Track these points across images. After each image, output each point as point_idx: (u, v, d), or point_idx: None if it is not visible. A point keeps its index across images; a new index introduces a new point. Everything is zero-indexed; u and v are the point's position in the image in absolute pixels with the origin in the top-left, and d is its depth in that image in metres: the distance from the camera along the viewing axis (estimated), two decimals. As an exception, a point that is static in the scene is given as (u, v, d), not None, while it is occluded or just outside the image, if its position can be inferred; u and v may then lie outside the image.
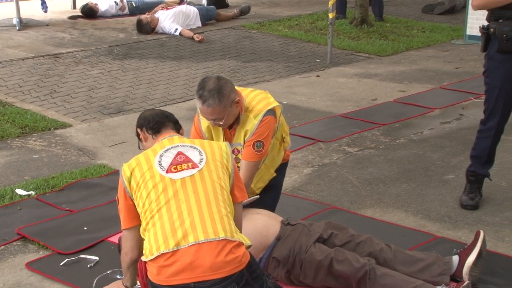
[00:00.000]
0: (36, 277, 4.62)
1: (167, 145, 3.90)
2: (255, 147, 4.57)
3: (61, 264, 4.75)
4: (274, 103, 4.63)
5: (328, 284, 4.35)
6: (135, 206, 3.83)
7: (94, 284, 4.48)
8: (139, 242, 3.84)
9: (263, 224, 4.41)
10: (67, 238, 5.07)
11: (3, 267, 4.75)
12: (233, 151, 4.55)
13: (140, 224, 3.81)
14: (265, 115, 4.55)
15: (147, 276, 3.73)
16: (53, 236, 5.11)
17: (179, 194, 3.69)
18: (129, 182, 3.82)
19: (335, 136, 7.10)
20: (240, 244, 3.67)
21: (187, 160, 3.81)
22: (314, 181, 6.11)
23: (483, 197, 5.65)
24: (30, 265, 4.75)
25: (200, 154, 3.85)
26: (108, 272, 4.59)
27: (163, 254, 3.57)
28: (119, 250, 4.63)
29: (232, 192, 3.89)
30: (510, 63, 5.29)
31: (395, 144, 6.95)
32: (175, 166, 3.78)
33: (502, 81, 5.36)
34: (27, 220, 5.37)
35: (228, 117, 4.46)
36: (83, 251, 4.91)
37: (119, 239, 4.70)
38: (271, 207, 4.89)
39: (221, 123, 4.47)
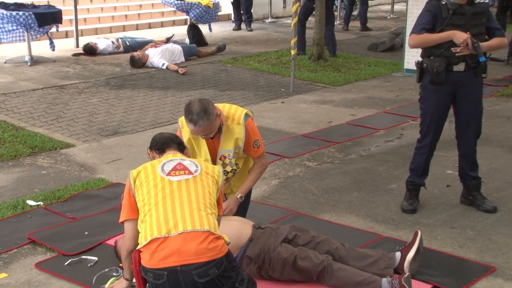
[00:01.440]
0: (44, 275, 4.59)
1: (170, 157, 4.02)
2: (254, 146, 4.68)
3: (66, 264, 4.72)
4: (245, 110, 4.68)
5: (293, 278, 4.35)
6: (136, 202, 3.88)
7: (93, 281, 4.44)
8: (136, 233, 3.86)
9: (237, 228, 4.39)
10: (70, 242, 5.03)
11: (15, 267, 4.70)
12: (220, 158, 4.65)
13: (137, 221, 3.86)
14: (245, 119, 4.60)
15: (139, 264, 3.74)
16: (59, 240, 5.07)
17: (174, 193, 3.78)
18: (134, 181, 3.89)
19: (298, 153, 7.10)
20: (220, 237, 3.72)
21: (185, 168, 3.91)
22: (280, 191, 6.10)
23: (420, 202, 5.69)
24: (39, 265, 4.71)
25: (196, 166, 3.96)
26: (106, 270, 4.56)
27: (156, 239, 3.62)
28: (115, 251, 4.61)
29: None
30: (440, 92, 5.39)
31: (348, 159, 6.96)
32: (174, 172, 3.88)
33: (434, 107, 5.45)
34: (36, 226, 5.33)
35: (215, 129, 4.47)
36: (84, 252, 4.88)
37: (115, 242, 4.68)
38: (243, 213, 4.89)
39: (211, 135, 4.50)
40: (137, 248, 3.77)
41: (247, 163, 4.87)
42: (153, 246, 3.62)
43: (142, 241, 3.69)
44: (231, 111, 4.63)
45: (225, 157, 4.64)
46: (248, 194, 4.96)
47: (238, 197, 4.74)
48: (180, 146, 4.22)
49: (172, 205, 3.73)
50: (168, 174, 3.87)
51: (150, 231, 3.66)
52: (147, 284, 3.80)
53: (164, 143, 4.18)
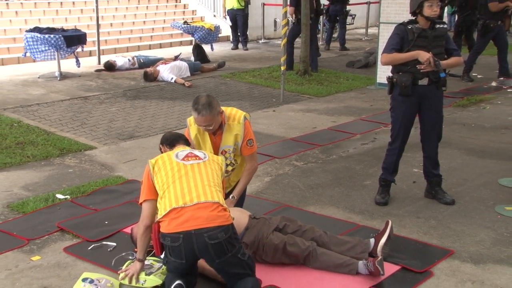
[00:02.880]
0: (71, 258, 4.59)
1: (182, 148, 4.20)
2: (248, 144, 4.70)
3: (89, 248, 4.72)
4: (244, 112, 4.73)
5: (283, 261, 4.35)
6: (154, 185, 3.96)
7: (113, 263, 4.45)
8: (153, 211, 3.97)
9: (236, 217, 4.38)
10: (93, 230, 5.03)
11: (47, 251, 4.70)
12: (221, 153, 4.67)
13: (155, 199, 3.95)
14: (244, 119, 4.64)
15: (159, 232, 3.83)
16: (83, 228, 5.07)
17: (189, 173, 3.92)
18: (153, 168, 4.00)
19: (287, 154, 7.08)
20: (227, 209, 3.86)
21: (196, 156, 4.08)
22: (272, 187, 6.09)
23: (390, 196, 5.71)
24: (66, 249, 4.72)
25: (205, 155, 4.13)
26: (123, 254, 4.56)
27: (174, 209, 3.74)
28: (131, 238, 4.60)
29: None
30: (408, 102, 5.43)
31: (329, 159, 6.95)
32: (187, 158, 4.03)
33: (403, 115, 5.49)
34: (64, 216, 5.32)
35: (215, 124, 4.49)
36: (104, 239, 4.88)
37: (131, 230, 4.69)
38: (240, 205, 4.89)
39: (211, 128, 4.51)
40: (156, 220, 3.88)
41: (243, 161, 4.86)
42: (171, 214, 3.74)
43: (161, 212, 3.82)
44: (233, 112, 4.69)
45: (225, 152, 4.65)
46: (243, 190, 4.97)
47: (231, 197, 4.74)
48: (187, 142, 4.37)
49: (187, 182, 3.86)
50: (182, 159, 4.01)
51: (169, 203, 3.79)
52: (163, 252, 3.93)
53: (173, 139, 4.33)
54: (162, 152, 4.34)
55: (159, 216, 3.83)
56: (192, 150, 4.18)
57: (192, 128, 4.66)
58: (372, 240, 4.47)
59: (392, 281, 4.23)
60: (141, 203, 4.05)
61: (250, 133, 4.71)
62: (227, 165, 4.64)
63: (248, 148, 4.72)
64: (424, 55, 5.18)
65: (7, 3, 14.64)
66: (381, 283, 4.18)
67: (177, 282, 3.81)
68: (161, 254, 3.99)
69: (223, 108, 4.63)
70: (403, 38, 5.31)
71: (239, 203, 4.89)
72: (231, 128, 4.61)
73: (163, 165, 3.99)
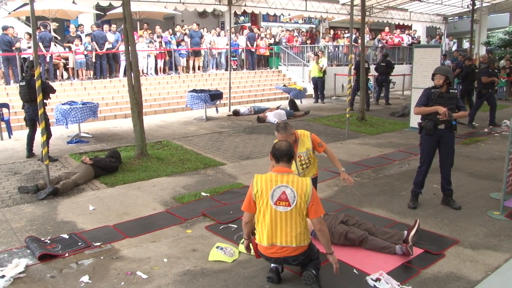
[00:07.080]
0: (209, 233, 4.74)
1: (279, 183, 3.46)
2: (318, 145, 4.52)
3: (220, 228, 4.85)
4: (308, 131, 4.57)
5: (345, 244, 4.31)
6: (254, 204, 3.52)
7: (234, 238, 4.55)
8: (250, 218, 3.62)
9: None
10: (223, 216, 5.16)
11: (195, 227, 4.88)
12: (298, 156, 4.48)
13: (252, 213, 3.56)
14: (310, 135, 4.52)
15: (257, 247, 3.65)
16: (217, 214, 5.22)
17: (277, 219, 3.46)
18: (255, 195, 3.49)
19: (349, 172, 6.84)
20: (304, 245, 3.55)
21: (286, 199, 3.43)
22: (339, 194, 6.02)
23: (418, 203, 5.51)
24: (207, 227, 4.87)
25: (294, 196, 3.43)
26: (241, 233, 4.61)
27: (266, 246, 3.54)
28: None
29: (309, 213, 3.46)
30: (431, 140, 5.28)
31: (378, 177, 6.78)
32: (279, 201, 3.43)
33: (427, 148, 5.33)
34: (206, 206, 5.50)
35: (290, 139, 4.31)
36: (230, 222, 4.99)
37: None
38: (315, 184, 4.65)
39: (290, 141, 4.34)
40: (256, 241, 3.64)
41: (314, 164, 4.68)
42: (265, 246, 3.55)
43: (258, 239, 3.58)
44: (302, 132, 4.53)
45: (300, 156, 4.52)
46: (315, 184, 4.73)
47: (343, 170, 4.63)
48: (290, 159, 3.58)
49: (275, 225, 3.48)
50: (275, 203, 3.43)
51: (261, 237, 3.54)
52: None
53: (279, 156, 3.56)
54: (271, 156, 3.65)
55: (257, 239, 3.61)
56: (286, 186, 3.45)
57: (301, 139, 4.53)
58: (405, 232, 4.34)
59: (418, 259, 4.09)
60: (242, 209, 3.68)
61: (317, 139, 4.55)
62: (302, 164, 4.50)
63: (319, 148, 4.57)
64: (442, 109, 5.03)
65: (178, 76, 15.62)
66: (410, 260, 4.06)
67: (274, 265, 3.76)
68: (259, 258, 3.80)
69: (298, 131, 4.54)
70: (428, 97, 5.19)
71: (314, 182, 4.61)
72: (303, 141, 4.51)
73: (261, 197, 3.48)
